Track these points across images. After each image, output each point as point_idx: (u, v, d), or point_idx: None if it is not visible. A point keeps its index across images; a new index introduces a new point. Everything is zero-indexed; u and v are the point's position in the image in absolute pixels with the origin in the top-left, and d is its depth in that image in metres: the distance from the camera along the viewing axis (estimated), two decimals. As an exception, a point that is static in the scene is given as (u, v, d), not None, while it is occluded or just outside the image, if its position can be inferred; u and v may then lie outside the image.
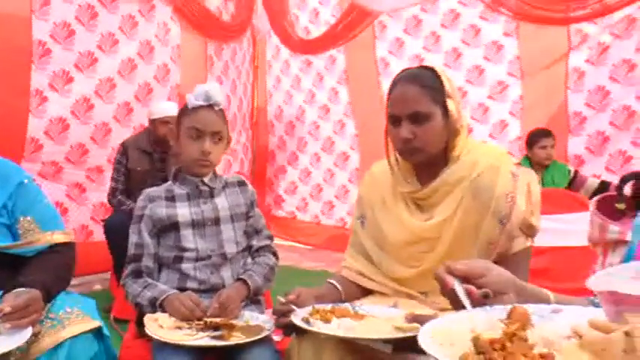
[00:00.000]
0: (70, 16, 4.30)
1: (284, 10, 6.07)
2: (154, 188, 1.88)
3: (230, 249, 1.81)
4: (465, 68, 4.95)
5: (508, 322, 0.77)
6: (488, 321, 0.80)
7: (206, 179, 1.84)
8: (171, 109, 3.83)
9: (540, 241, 1.59)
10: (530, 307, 0.85)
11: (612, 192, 2.11)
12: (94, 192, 4.59)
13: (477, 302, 0.94)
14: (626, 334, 0.65)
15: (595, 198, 2.14)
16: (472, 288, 0.97)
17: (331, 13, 5.90)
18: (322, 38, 5.83)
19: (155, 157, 3.86)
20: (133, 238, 1.81)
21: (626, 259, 0.93)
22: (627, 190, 2.09)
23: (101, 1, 4.48)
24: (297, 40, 6.07)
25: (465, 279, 0.99)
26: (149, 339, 1.79)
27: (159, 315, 1.61)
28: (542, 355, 0.67)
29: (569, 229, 2.77)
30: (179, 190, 1.85)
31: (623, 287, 0.73)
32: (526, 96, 4.66)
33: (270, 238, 1.95)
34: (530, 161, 4.09)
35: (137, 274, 1.78)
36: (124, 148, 3.85)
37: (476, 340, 0.71)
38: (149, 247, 1.79)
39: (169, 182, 1.89)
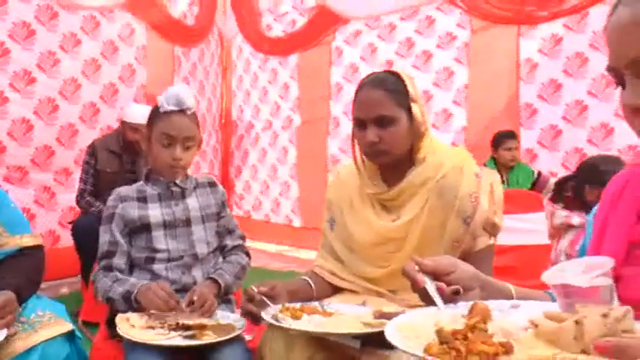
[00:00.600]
0: (29, 15, 4.26)
1: (254, 13, 6.06)
2: (125, 187, 1.87)
3: (201, 249, 1.82)
4: (414, 55, 4.97)
5: (469, 316, 0.82)
6: (452, 316, 0.84)
7: (177, 180, 1.85)
8: (144, 117, 3.79)
9: (504, 239, 1.64)
10: (491, 304, 0.90)
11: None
12: (63, 194, 4.54)
13: (447, 298, 0.99)
14: (576, 322, 0.71)
15: (548, 195, 2.25)
16: (442, 285, 1.01)
17: (300, 15, 5.91)
18: (291, 40, 5.85)
19: (125, 158, 3.83)
20: (105, 237, 1.80)
21: (580, 254, 0.99)
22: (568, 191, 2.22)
23: (59, 3, 4.43)
24: (267, 43, 6.07)
25: (433, 275, 1.03)
26: (120, 340, 1.80)
27: (130, 315, 1.61)
28: (501, 344, 0.72)
29: (532, 228, 2.87)
30: (151, 190, 1.85)
31: (573, 281, 0.78)
32: (472, 84, 4.68)
33: (243, 238, 1.97)
34: (496, 162, 4.19)
35: (108, 269, 1.78)
36: (93, 149, 3.81)
37: (439, 332, 0.75)
38: (122, 246, 1.79)
39: (141, 182, 1.88)
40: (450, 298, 0.99)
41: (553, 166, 4.28)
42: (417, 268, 1.04)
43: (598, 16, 3.94)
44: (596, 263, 0.82)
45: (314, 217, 5.76)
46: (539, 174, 4.17)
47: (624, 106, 0.82)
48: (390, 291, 1.60)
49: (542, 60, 4.30)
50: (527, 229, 2.85)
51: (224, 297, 1.82)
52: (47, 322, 1.48)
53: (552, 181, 4.05)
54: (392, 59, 5.08)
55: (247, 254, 1.94)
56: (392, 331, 0.81)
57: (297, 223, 6.12)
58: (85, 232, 3.54)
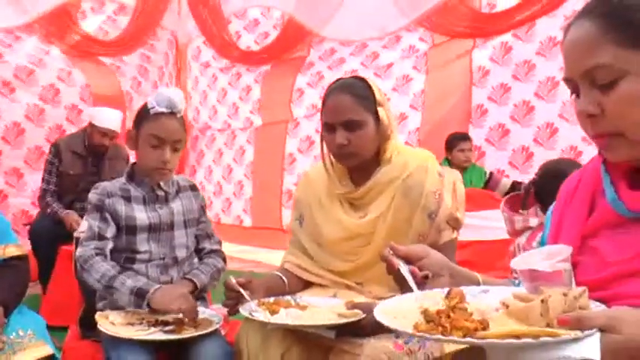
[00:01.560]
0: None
1: (220, 19, 6.03)
2: (108, 183, 1.84)
3: (181, 253, 1.84)
4: (378, 65, 5.13)
5: (449, 299, 0.91)
6: (433, 299, 0.93)
7: (161, 183, 1.85)
8: (114, 123, 3.76)
9: (462, 235, 1.75)
10: (464, 289, 0.99)
11: (520, 192, 2.36)
12: (14, 198, 4.43)
13: (417, 282, 1.07)
14: (542, 301, 0.81)
15: (504, 198, 2.39)
16: (415, 269, 1.10)
17: (273, 25, 5.91)
18: (264, 52, 5.84)
19: (89, 160, 3.77)
20: (94, 222, 1.76)
21: (540, 246, 1.10)
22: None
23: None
24: (237, 51, 6.04)
25: (406, 260, 1.12)
26: (94, 339, 1.83)
27: (109, 312, 1.64)
28: (479, 321, 0.82)
29: (488, 225, 3.04)
30: (135, 191, 1.83)
31: (539, 266, 0.89)
32: (428, 90, 4.87)
33: (220, 243, 1.99)
34: (450, 164, 4.34)
35: (101, 253, 1.73)
36: (57, 149, 3.73)
37: (425, 312, 0.85)
38: (108, 233, 1.76)
39: (123, 180, 1.86)
40: (421, 281, 1.08)
41: (500, 163, 4.48)
42: (391, 252, 1.12)
43: (544, 27, 4.22)
44: (556, 251, 0.93)
45: (265, 217, 5.80)
46: (491, 174, 4.35)
47: (579, 112, 0.92)
48: (357, 283, 1.68)
49: (494, 67, 4.53)
50: (483, 225, 3.01)
51: (198, 294, 1.84)
52: (27, 343, 1.45)
53: (504, 181, 4.24)
54: (356, 68, 5.20)
55: (224, 259, 1.96)
56: (381, 315, 0.89)
57: (247, 222, 6.14)
58: (42, 235, 3.50)
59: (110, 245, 1.76)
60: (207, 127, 6.62)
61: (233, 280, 1.55)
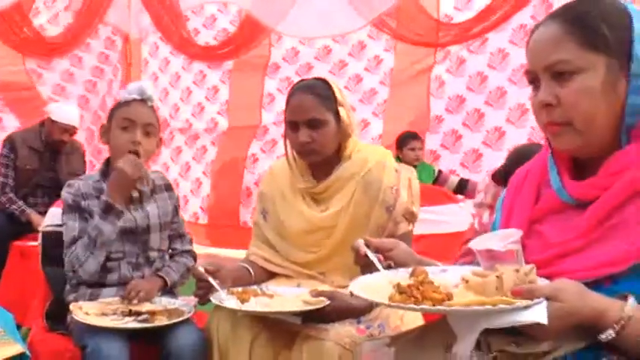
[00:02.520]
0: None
1: (177, 15, 5.97)
2: (82, 182, 1.85)
3: (153, 253, 1.89)
4: (347, 76, 5.28)
5: (415, 275, 1.02)
6: (400, 277, 1.04)
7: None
8: (74, 119, 3.73)
9: (415, 229, 1.86)
10: (426, 268, 1.11)
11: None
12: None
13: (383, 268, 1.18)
14: (497, 277, 0.93)
15: (490, 173, 2.55)
16: (380, 256, 1.21)
17: (230, 21, 5.91)
18: (222, 47, 5.82)
19: (46, 156, 3.72)
20: (73, 224, 1.79)
21: (492, 229, 1.23)
22: None
23: None
24: (196, 49, 5.99)
25: (377, 251, 1.23)
26: (62, 332, 1.85)
27: (82, 303, 1.68)
28: (445, 294, 0.93)
29: (439, 219, 3.20)
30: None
31: (495, 246, 1.01)
32: (390, 100, 5.06)
33: (191, 242, 2.03)
34: (401, 161, 4.49)
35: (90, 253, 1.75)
36: (12, 143, 3.67)
37: (398, 286, 0.95)
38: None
39: (97, 178, 1.87)
40: (385, 268, 1.19)
41: (453, 164, 4.68)
42: (364, 243, 1.24)
43: (495, 41, 4.46)
44: (509, 234, 1.06)
45: (223, 215, 5.81)
46: (440, 172, 4.52)
47: (538, 102, 1.05)
48: (320, 273, 1.76)
49: (449, 78, 4.76)
50: (435, 219, 3.16)
51: (168, 291, 1.88)
52: None
53: (452, 178, 4.44)
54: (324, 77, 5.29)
55: (194, 258, 2.01)
56: (357, 289, 1.00)
57: (203, 220, 6.14)
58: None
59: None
60: (166, 125, 6.55)
61: (201, 269, 1.59)
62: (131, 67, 6.70)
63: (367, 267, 1.21)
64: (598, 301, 0.90)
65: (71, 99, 5.78)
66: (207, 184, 6.08)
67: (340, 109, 1.74)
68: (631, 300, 0.89)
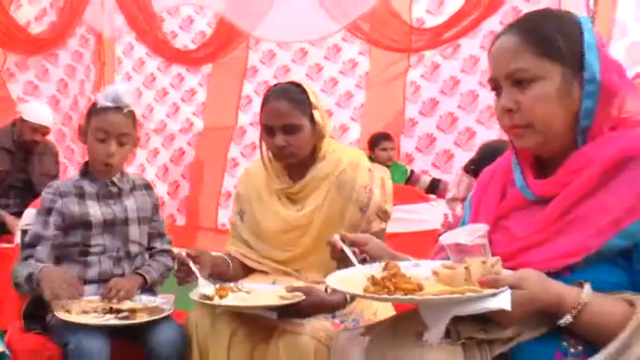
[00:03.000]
0: None
1: (151, 16, 5.93)
2: (62, 182, 1.89)
3: (134, 248, 1.91)
4: (323, 80, 5.36)
5: (388, 269, 1.08)
6: (374, 271, 1.10)
7: (115, 179, 1.90)
8: (47, 118, 3.70)
9: (388, 228, 1.91)
10: (398, 263, 1.17)
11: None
12: None
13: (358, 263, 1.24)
14: (466, 268, 1.00)
15: (462, 167, 2.62)
16: (356, 250, 1.27)
17: (207, 23, 5.90)
18: (199, 51, 5.80)
19: (18, 156, 3.69)
20: (35, 228, 1.83)
21: (462, 225, 1.30)
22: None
23: None
24: (172, 52, 5.96)
25: (352, 246, 1.28)
26: (40, 332, 1.86)
27: (64, 302, 1.69)
28: (417, 285, 0.99)
29: (412, 217, 3.27)
30: (89, 187, 1.88)
31: (463, 240, 1.08)
32: (366, 104, 5.18)
33: (170, 242, 2.05)
34: (373, 162, 4.54)
35: (28, 259, 1.80)
36: None
37: (372, 278, 1.01)
38: (49, 239, 1.81)
39: (77, 177, 1.91)
40: (360, 263, 1.25)
41: (425, 165, 4.80)
42: (339, 239, 1.29)
43: (468, 47, 4.60)
44: (476, 229, 1.13)
45: (201, 217, 5.82)
46: (412, 172, 4.61)
47: (500, 107, 1.12)
48: (295, 270, 1.80)
49: (424, 83, 4.88)
50: (407, 218, 3.23)
51: (148, 289, 1.90)
52: None
53: (424, 178, 4.53)
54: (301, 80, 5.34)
55: (174, 258, 2.00)
56: (333, 282, 1.05)
57: (181, 222, 6.14)
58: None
59: (44, 251, 1.80)
60: (139, 125, 6.50)
61: (184, 254, 1.63)
62: (105, 67, 6.66)
63: (343, 261, 1.27)
64: (557, 288, 0.98)
65: (42, 99, 5.70)
66: (186, 186, 6.08)
67: (315, 112, 1.77)
68: (587, 287, 0.97)
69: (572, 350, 0.98)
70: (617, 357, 0.92)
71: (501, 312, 0.94)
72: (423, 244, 2.81)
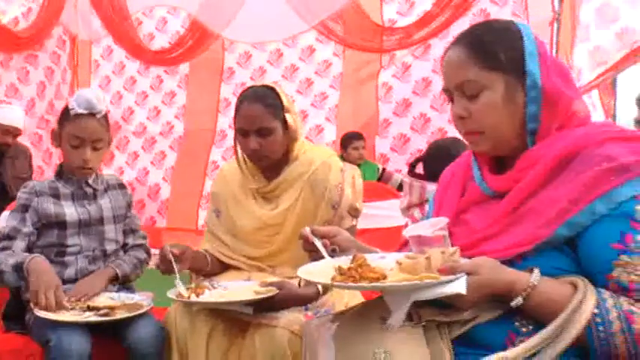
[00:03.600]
0: None
1: (125, 17, 5.90)
2: (38, 182, 1.92)
3: (110, 246, 1.95)
4: (298, 80, 5.43)
5: (355, 260, 1.16)
6: (343, 262, 1.17)
7: (90, 180, 1.94)
8: (17, 120, 3.69)
9: (359, 224, 1.99)
10: (365, 256, 1.24)
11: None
12: None
13: (328, 254, 1.31)
14: (426, 258, 1.08)
15: (407, 172, 2.67)
16: (326, 242, 1.34)
17: (181, 24, 5.90)
18: (173, 50, 5.80)
19: None
20: (12, 222, 1.85)
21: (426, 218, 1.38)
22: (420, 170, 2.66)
23: None
24: (150, 54, 5.95)
25: (323, 238, 1.36)
26: (19, 332, 1.89)
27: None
28: (381, 274, 1.07)
29: (382, 214, 3.36)
30: (63, 188, 1.92)
31: (424, 232, 1.16)
32: (341, 105, 5.27)
33: (145, 237, 2.09)
34: (344, 160, 4.61)
35: (6, 249, 1.82)
36: None
37: (339, 268, 1.09)
38: (27, 235, 1.84)
39: (52, 178, 1.95)
40: (330, 254, 1.32)
41: (399, 165, 4.91)
42: (309, 231, 1.37)
43: (438, 48, 4.66)
44: (437, 222, 1.21)
45: (181, 219, 5.85)
46: (384, 170, 4.71)
47: (453, 115, 1.21)
48: (269, 266, 1.87)
49: (396, 83, 4.99)
50: (377, 214, 3.32)
51: (123, 283, 1.95)
52: None
53: (396, 176, 4.62)
54: (277, 80, 5.40)
55: (147, 252, 2.07)
56: (304, 274, 1.12)
57: (161, 224, 6.14)
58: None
59: (21, 244, 1.83)
60: (117, 128, 6.47)
61: (168, 248, 1.68)
62: (78, 69, 6.60)
63: (314, 252, 1.34)
64: (509, 273, 1.06)
65: (22, 102, 5.67)
66: (167, 188, 6.09)
67: (287, 115, 1.83)
68: (536, 272, 1.06)
69: (523, 330, 1.07)
70: (555, 337, 1.01)
71: (458, 296, 1.02)
72: (392, 239, 2.88)
